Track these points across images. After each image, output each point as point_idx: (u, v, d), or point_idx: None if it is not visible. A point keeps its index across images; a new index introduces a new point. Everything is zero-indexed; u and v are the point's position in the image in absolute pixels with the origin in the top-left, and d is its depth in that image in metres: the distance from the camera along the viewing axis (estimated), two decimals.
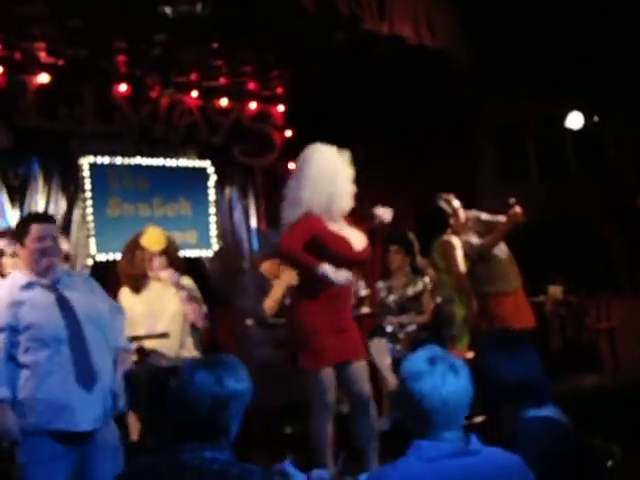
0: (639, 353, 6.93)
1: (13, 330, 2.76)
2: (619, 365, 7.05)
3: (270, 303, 4.63)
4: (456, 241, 5.03)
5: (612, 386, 6.17)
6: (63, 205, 5.96)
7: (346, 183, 3.58)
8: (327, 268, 3.45)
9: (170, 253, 4.34)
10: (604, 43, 7.12)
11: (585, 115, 8.06)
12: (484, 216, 5.06)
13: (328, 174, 3.54)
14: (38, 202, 5.83)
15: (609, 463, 2.14)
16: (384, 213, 3.69)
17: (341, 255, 3.51)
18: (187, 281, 4.41)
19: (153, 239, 4.30)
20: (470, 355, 4.21)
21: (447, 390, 1.74)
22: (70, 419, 2.77)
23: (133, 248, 4.28)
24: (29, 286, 2.86)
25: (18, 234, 2.91)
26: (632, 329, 7.13)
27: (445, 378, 1.75)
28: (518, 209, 4.69)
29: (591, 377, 6.61)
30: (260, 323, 4.64)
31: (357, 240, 3.61)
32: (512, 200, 4.71)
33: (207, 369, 1.77)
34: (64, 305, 2.86)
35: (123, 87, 6.19)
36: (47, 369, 2.77)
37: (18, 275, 2.91)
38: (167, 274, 4.22)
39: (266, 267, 4.81)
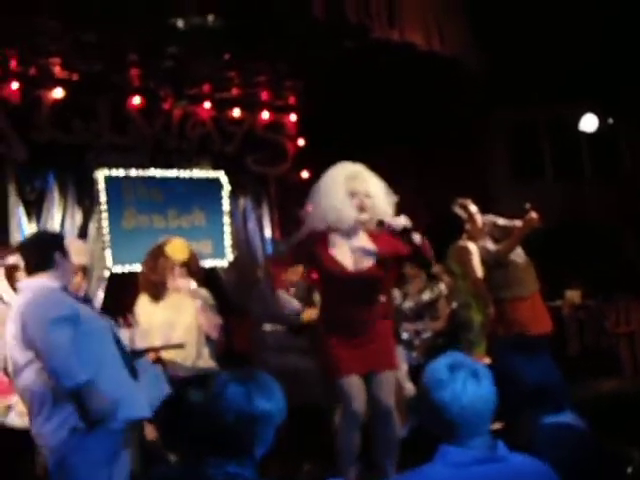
0: None
1: (74, 323, 2.84)
2: (639, 369, 6.97)
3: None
4: (472, 247, 5.01)
5: (632, 391, 6.10)
6: (79, 218, 6.02)
7: (342, 198, 3.50)
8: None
9: (191, 265, 4.38)
10: (617, 48, 7.09)
11: (599, 118, 8.01)
12: (501, 221, 5.03)
13: (324, 190, 3.55)
14: (54, 216, 5.89)
15: (629, 469, 2.11)
16: (395, 222, 3.61)
17: (332, 275, 3.52)
18: (203, 292, 4.44)
19: (178, 248, 4.36)
20: (487, 361, 4.19)
21: (468, 398, 1.72)
22: (129, 408, 2.87)
23: (157, 256, 4.33)
24: (63, 289, 2.98)
25: (62, 246, 3.04)
26: None
27: (466, 385, 1.73)
28: (534, 214, 4.66)
29: (610, 382, 6.53)
30: (290, 329, 4.61)
31: (360, 259, 3.57)
32: (528, 205, 4.69)
33: (239, 384, 1.74)
34: (93, 310, 3.04)
35: (137, 100, 6.25)
36: (104, 361, 2.85)
37: (44, 281, 2.95)
38: (184, 282, 4.25)
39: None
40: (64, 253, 3.01)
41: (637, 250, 8.48)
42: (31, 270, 2.96)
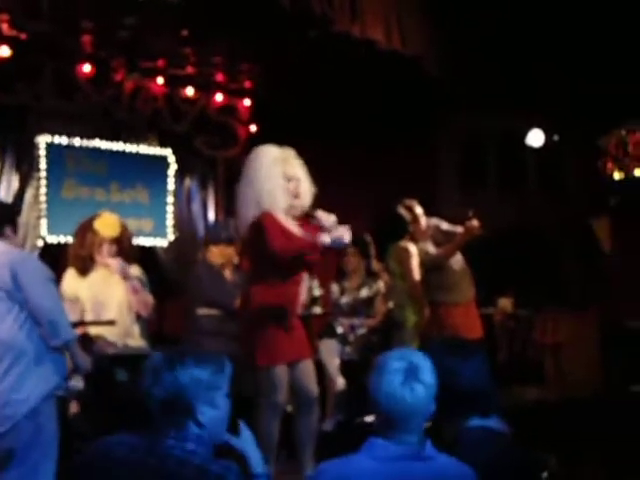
0: (583, 369, 7.09)
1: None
2: (562, 380, 7.20)
3: None
4: (412, 248, 5.06)
5: (553, 400, 6.29)
6: (16, 183, 5.81)
7: (279, 182, 3.51)
8: (323, 237, 3.41)
9: (122, 242, 4.27)
10: (568, 66, 7.28)
11: (546, 133, 8.21)
12: (444, 225, 5.08)
13: (261, 173, 3.53)
14: None
15: (545, 474, 2.17)
16: (326, 217, 3.61)
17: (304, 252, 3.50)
18: (135, 270, 4.35)
19: (107, 224, 4.23)
20: None
21: (406, 393, 1.74)
22: None
23: (85, 230, 4.22)
24: None
25: (14, 220, 3.22)
26: (577, 345, 7.29)
27: (408, 381, 1.75)
28: (475, 222, 4.73)
29: (533, 390, 6.73)
30: (229, 314, 4.53)
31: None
32: (470, 212, 4.76)
33: (162, 355, 1.79)
34: None
35: (87, 67, 6.06)
36: None
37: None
38: (114, 262, 4.15)
39: (215, 254, 4.69)
40: (15, 228, 3.15)
41: (573, 263, 8.74)
42: None
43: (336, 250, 3.57)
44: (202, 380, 1.76)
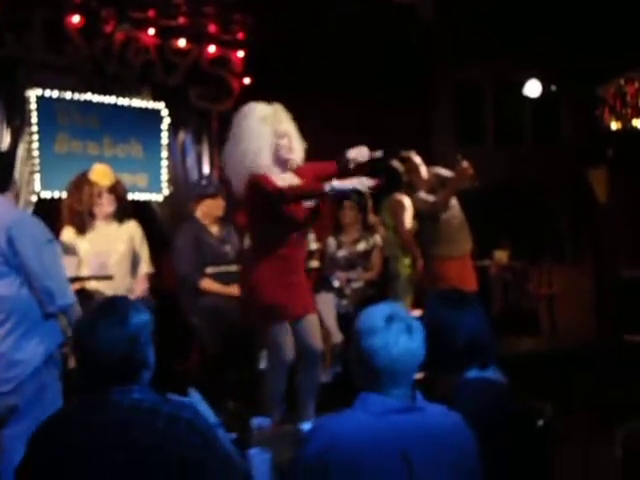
0: (576, 319, 7.18)
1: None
2: (556, 330, 7.29)
3: None
4: (406, 201, 5.05)
5: (548, 350, 6.38)
6: (7, 138, 5.73)
7: (268, 140, 3.50)
8: (334, 182, 3.36)
9: (117, 190, 4.29)
10: (565, 15, 7.15)
11: (543, 84, 8.12)
12: (444, 172, 5.05)
13: (250, 131, 3.51)
14: None
15: (540, 422, 2.20)
16: (358, 153, 3.61)
17: (291, 209, 3.48)
18: (133, 225, 4.34)
19: (102, 174, 4.26)
20: (418, 313, 4.26)
21: (398, 350, 1.73)
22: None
23: (81, 184, 4.21)
24: None
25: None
26: (571, 296, 7.36)
27: (398, 337, 1.74)
28: (465, 164, 4.68)
29: (528, 340, 6.82)
30: (192, 288, 4.46)
31: None
32: (459, 156, 4.72)
33: (106, 317, 1.77)
34: None
35: (76, 18, 5.92)
36: None
37: (7, 201, 3.07)
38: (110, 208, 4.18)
39: (202, 210, 4.62)
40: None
41: (568, 215, 8.75)
42: None
43: (338, 197, 3.56)
44: (148, 324, 1.79)
